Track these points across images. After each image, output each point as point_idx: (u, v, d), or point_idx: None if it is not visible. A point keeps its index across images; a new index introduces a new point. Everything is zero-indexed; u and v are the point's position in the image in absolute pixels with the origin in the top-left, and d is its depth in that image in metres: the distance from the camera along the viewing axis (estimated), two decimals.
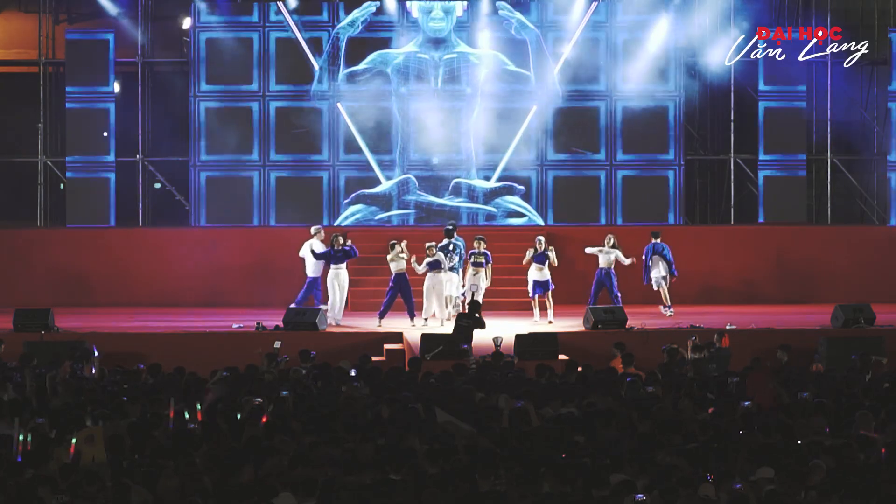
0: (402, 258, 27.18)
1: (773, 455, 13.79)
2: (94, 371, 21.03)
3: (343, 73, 33.45)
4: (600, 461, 13.64)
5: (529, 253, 27.88)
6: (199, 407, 15.95)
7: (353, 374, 19.08)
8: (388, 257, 27.34)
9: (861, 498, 12.30)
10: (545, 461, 13.25)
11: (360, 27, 33.49)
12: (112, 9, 33.74)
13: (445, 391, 17.89)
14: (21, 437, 14.03)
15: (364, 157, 33.67)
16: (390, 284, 27.22)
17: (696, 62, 33.90)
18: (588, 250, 28.24)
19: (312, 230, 28.25)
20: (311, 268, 28.03)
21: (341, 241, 27.36)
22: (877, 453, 14.01)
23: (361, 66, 33.50)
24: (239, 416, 15.88)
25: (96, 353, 22.15)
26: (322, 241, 27.97)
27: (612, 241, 28.04)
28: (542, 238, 28.03)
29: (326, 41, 33.39)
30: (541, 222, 33.52)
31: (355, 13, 33.48)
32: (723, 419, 15.84)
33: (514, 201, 33.71)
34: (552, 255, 27.81)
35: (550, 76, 33.49)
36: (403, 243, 27.34)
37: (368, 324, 27.31)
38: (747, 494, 12.29)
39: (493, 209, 33.69)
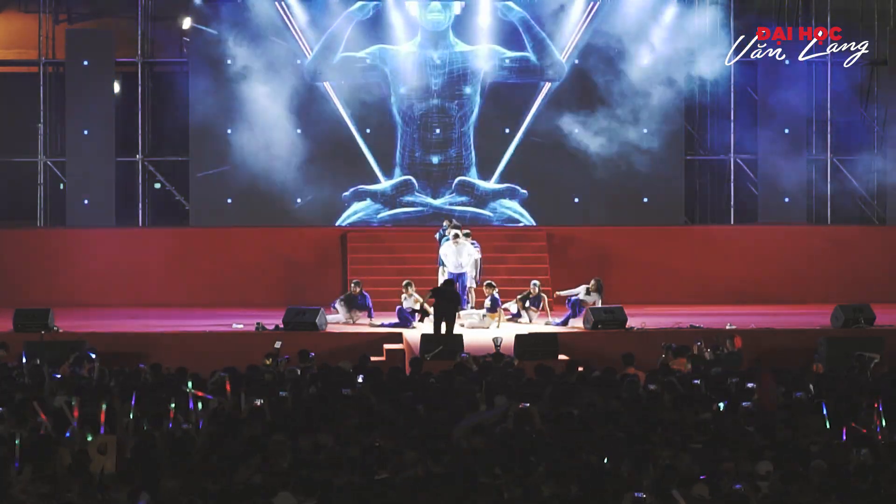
0: (413, 296, 27.03)
1: (773, 455, 13.82)
2: (94, 371, 20.98)
3: (340, 56, 33.36)
4: (600, 461, 13.67)
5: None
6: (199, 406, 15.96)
7: (360, 379, 18.91)
8: (403, 297, 27.17)
9: (860, 498, 12.32)
10: (545, 461, 13.26)
11: (371, 12, 33.40)
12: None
13: (446, 391, 17.90)
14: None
15: (364, 158, 33.65)
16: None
17: (697, 62, 33.90)
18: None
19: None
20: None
21: (357, 290, 27.39)
22: (876, 451, 14.01)
23: (360, 54, 33.45)
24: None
25: (94, 355, 22.11)
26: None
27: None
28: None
29: (327, 40, 33.33)
30: (542, 221, 33.47)
31: (357, 5, 33.40)
32: (722, 419, 15.86)
33: (512, 206, 33.70)
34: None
35: (550, 52, 33.40)
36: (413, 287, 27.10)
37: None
38: (748, 495, 12.30)
39: (490, 213, 33.67)
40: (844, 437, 14.77)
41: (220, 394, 17.50)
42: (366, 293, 27.47)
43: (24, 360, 21.39)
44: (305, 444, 14.29)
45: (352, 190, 33.66)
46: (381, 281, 28.70)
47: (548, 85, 33.63)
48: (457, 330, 25.47)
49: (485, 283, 27.39)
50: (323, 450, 13.94)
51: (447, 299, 24.98)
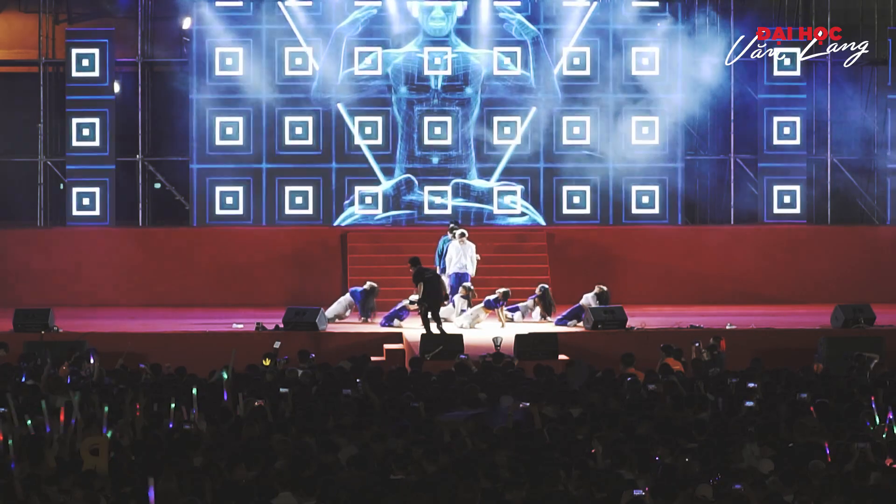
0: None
1: (773, 455, 13.83)
2: (92, 371, 20.98)
3: (343, 73, 33.43)
4: (602, 461, 13.67)
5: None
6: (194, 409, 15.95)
7: (358, 381, 18.87)
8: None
9: (860, 498, 12.32)
10: (546, 461, 13.26)
11: (360, 27, 33.47)
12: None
13: (446, 391, 17.90)
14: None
15: (364, 158, 33.62)
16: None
17: (697, 62, 33.90)
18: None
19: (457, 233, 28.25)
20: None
21: (365, 286, 27.96)
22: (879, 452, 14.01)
23: (361, 66, 33.49)
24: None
25: (94, 355, 22.10)
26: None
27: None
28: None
29: (327, 41, 33.33)
30: (542, 221, 33.47)
31: (356, 14, 33.46)
32: (722, 419, 15.86)
33: (514, 201, 33.68)
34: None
35: (550, 77, 33.49)
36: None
37: (368, 323, 27.41)
38: (747, 495, 12.30)
39: (494, 209, 33.64)
40: (843, 438, 14.75)
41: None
42: (357, 290, 27.85)
43: (23, 361, 21.39)
44: (308, 443, 14.29)
45: (353, 196, 33.56)
46: (381, 281, 28.67)
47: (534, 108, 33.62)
48: (456, 330, 25.60)
49: (502, 291, 27.41)
50: (330, 450, 13.92)
51: (433, 284, 25.27)
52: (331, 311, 27.48)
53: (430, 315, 24.99)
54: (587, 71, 33.65)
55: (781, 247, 32.65)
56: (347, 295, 28.11)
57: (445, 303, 27.50)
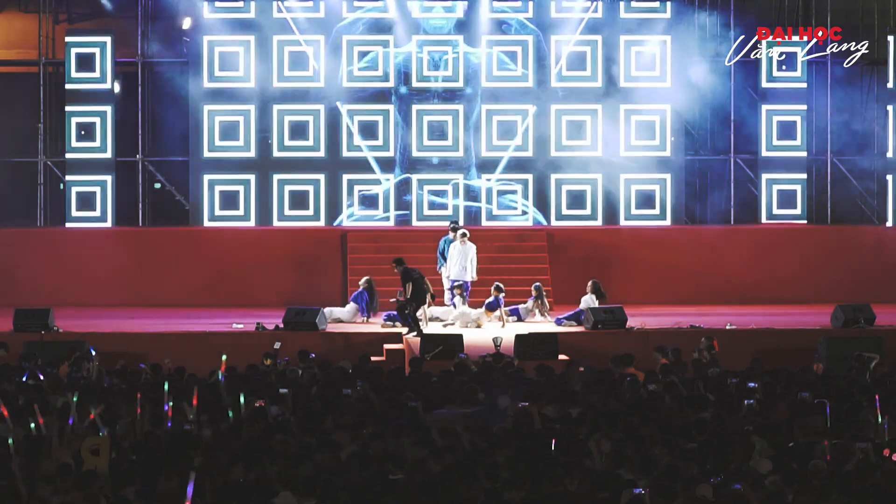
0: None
1: (774, 455, 13.84)
2: (92, 371, 20.97)
3: (343, 72, 33.44)
4: (602, 461, 13.68)
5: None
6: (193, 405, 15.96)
7: (358, 382, 18.89)
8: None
9: (860, 497, 12.32)
10: (546, 461, 13.27)
11: (361, 27, 33.49)
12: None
13: (446, 391, 17.90)
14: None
15: (364, 158, 33.62)
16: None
17: (696, 62, 33.90)
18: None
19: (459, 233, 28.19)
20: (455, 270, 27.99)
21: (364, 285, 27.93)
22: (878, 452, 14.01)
23: (361, 65, 33.50)
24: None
25: (94, 353, 22.10)
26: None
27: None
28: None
29: (327, 41, 33.36)
30: (543, 221, 33.48)
31: (357, 13, 33.47)
32: (723, 419, 15.87)
33: (515, 200, 33.69)
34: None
35: (550, 76, 33.51)
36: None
37: (369, 324, 27.42)
38: (747, 495, 12.31)
39: (494, 208, 33.65)
40: (844, 438, 14.76)
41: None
42: (357, 294, 27.88)
43: (24, 361, 21.39)
44: (308, 443, 14.30)
45: (354, 197, 33.53)
46: (381, 281, 28.68)
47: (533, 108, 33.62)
48: (456, 330, 25.65)
49: (493, 286, 27.40)
50: (330, 450, 13.93)
51: (419, 284, 25.66)
52: (334, 314, 27.42)
53: (417, 314, 25.23)
54: (587, 70, 33.65)
55: (781, 247, 32.65)
56: (351, 304, 28.01)
57: (445, 304, 27.60)
